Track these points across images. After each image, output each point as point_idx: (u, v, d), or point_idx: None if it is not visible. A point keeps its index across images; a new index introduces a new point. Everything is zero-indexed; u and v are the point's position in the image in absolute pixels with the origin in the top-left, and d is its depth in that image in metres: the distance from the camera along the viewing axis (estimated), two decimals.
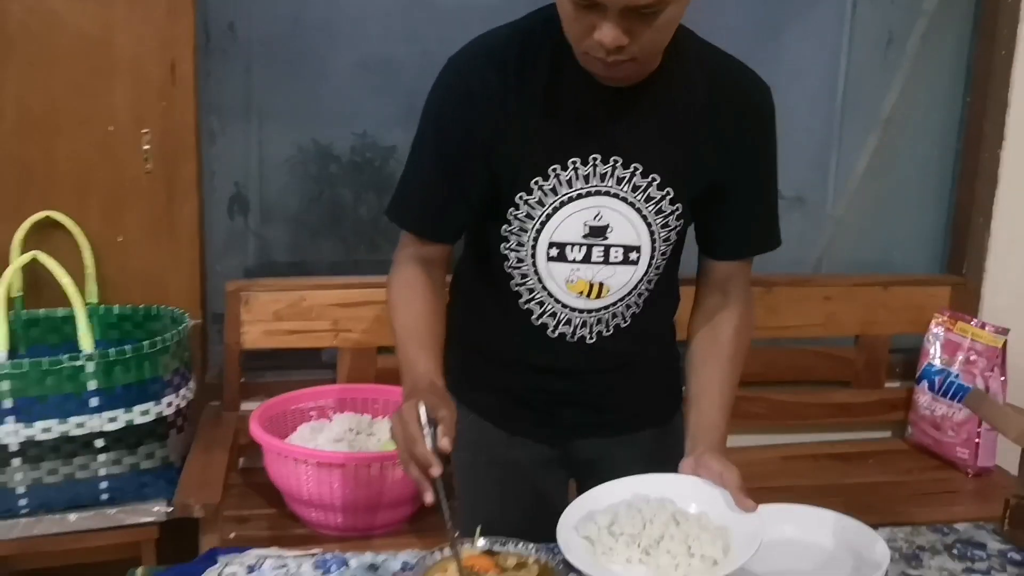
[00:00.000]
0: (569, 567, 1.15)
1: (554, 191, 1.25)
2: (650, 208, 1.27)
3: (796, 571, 1.25)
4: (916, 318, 2.53)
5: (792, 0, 2.69)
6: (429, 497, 1.10)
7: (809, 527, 1.35)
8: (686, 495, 1.20)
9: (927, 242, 2.77)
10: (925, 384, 2.47)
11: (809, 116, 2.73)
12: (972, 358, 2.38)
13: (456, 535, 1.14)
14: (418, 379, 1.22)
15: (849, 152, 2.74)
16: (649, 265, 1.31)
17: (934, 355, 2.47)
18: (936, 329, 2.48)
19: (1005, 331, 2.35)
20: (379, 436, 2.12)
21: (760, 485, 1.41)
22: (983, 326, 2.39)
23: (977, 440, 2.35)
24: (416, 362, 1.25)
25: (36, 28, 2.09)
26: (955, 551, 1.41)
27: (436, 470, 1.10)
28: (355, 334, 2.30)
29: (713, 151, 1.27)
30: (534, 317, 1.33)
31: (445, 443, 1.11)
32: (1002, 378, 2.35)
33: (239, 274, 2.45)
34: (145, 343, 1.95)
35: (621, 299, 1.33)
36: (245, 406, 2.26)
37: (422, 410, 1.13)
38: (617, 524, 1.16)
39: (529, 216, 1.27)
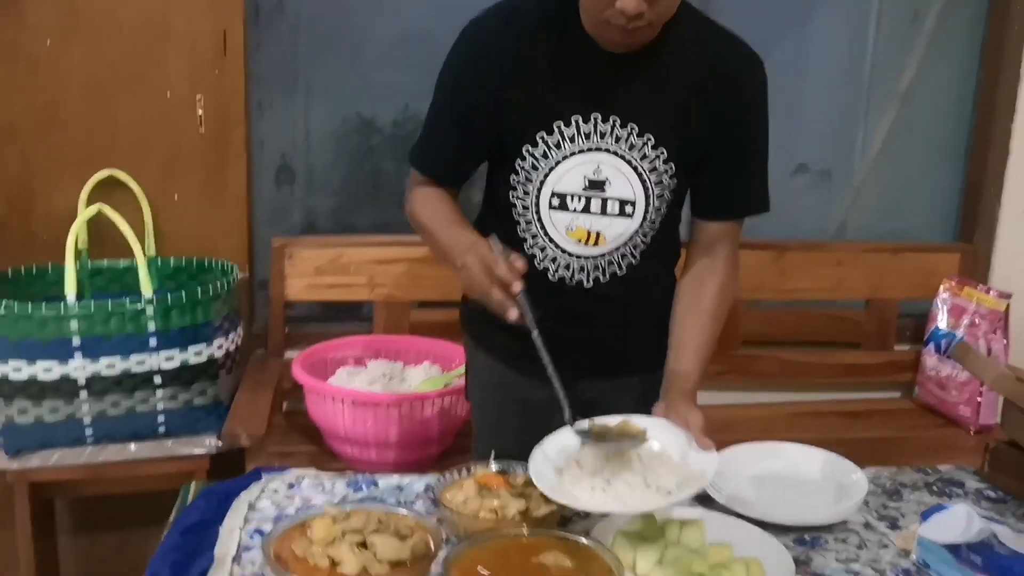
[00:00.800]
0: None
1: (557, 146, 1.39)
2: (645, 166, 1.40)
3: (782, 500, 1.37)
4: (925, 283, 2.62)
5: None
6: (514, 314, 1.22)
7: (797, 463, 1.49)
8: (653, 435, 1.28)
9: (940, 211, 2.84)
10: (932, 346, 2.56)
11: (837, 92, 2.82)
12: (976, 321, 2.47)
13: (537, 334, 1.23)
14: (472, 239, 1.33)
15: (875, 127, 2.82)
16: (644, 219, 1.43)
17: (941, 319, 2.56)
18: (944, 294, 2.57)
19: (1008, 295, 2.43)
20: (410, 382, 2.28)
21: (767, 439, 1.54)
22: (988, 291, 2.48)
23: (979, 399, 2.44)
24: (461, 233, 1.37)
25: (101, 1, 2.26)
26: (934, 488, 1.52)
27: (517, 286, 1.22)
28: (389, 288, 2.46)
29: (703, 115, 1.39)
30: (537, 261, 1.46)
31: (521, 264, 1.23)
32: (1004, 341, 2.44)
33: None
34: (199, 289, 2.13)
35: (617, 248, 1.45)
36: (288, 355, 2.43)
37: (493, 241, 1.27)
38: (583, 457, 1.25)
39: (534, 167, 1.41)
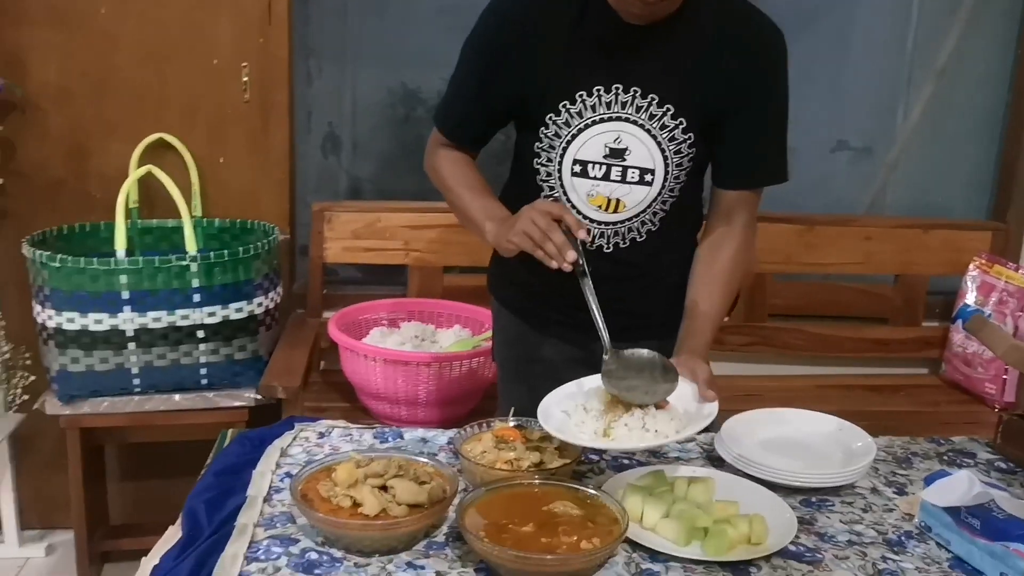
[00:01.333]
0: None
1: (579, 114, 1.44)
2: (664, 135, 1.44)
3: (792, 463, 1.40)
4: (955, 260, 2.61)
5: None
6: (572, 255, 1.32)
7: (808, 429, 1.51)
8: None
9: (976, 189, 2.83)
10: (960, 323, 2.56)
11: (879, 68, 2.81)
12: (1005, 299, 2.46)
13: (588, 278, 1.35)
14: (503, 210, 1.43)
15: (914, 104, 2.81)
16: (663, 187, 1.48)
17: (970, 296, 2.56)
18: (973, 271, 2.57)
19: None
20: (441, 343, 2.36)
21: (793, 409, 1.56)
22: (1018, 270, 2.47)
23: (1005, 376, 2.44)
24: (493, 203, 1.47)
25: None
26: (945, 458, 1.54)
27: (583, 233, 1.35)
28: (424, 253, 2.53)
29: (722, 85, 1.43)
30: (560, 225, 1.51)
31: (582, 234, 1.34)
32: None
33: None
34: (240, 248, 2.22)
35: (636, 215, 1.50)
36: (326, 315, 2.51)
37: (551, 205, 1.36)
38: (590, 403, 1.33)
39: (557, 135, 1.46)
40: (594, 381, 1.36)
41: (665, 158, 1.46)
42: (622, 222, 1.51)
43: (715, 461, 1.43)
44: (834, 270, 2.64)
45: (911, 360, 2.72)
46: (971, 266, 2.58)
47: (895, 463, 1.51)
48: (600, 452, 1.43)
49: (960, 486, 1.28)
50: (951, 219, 2.76)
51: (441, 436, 1.52)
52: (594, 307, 1.34)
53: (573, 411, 1.33)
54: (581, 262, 1.33)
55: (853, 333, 2.67)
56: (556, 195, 1.51)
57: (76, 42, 2.36)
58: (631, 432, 1.27)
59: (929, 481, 1.33)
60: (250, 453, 1.43)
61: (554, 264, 1.33)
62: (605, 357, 1.33)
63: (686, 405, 1.32)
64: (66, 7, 2.34)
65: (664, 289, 1.58)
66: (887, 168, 2.85)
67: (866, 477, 1.42)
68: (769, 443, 1.47)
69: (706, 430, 1.46)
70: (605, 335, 1.34)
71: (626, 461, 1.44)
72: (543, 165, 1.50)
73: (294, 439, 1.49)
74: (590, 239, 1.51)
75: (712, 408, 1.29)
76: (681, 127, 1.44)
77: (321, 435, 1.52)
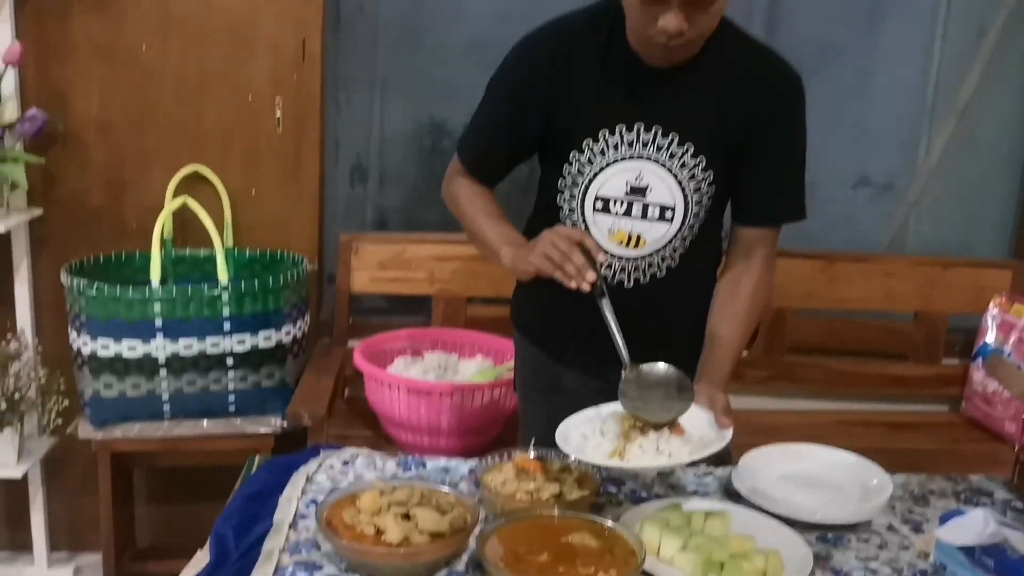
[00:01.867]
0: (600, 472, 1.38)
1: (602, 152, 1.48)
2: (684, 173, 1.49)
3: (809, 498, 1.42)
4: (976, 298, 2.62)
5: None
6: (591, 276, 1.35)
7: (826, 464, 1.53)
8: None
9: (997, 227, 2.84)
10: (980, 361, 2.57)
11: (901, 105, 2.84)
12: None
13: (607, 298, 1.38)
14: (523, 239, 1.47)
15: (936, 141, 2.82)
16: (683, 224, 1.52)
17: (990, 334, 2.56)
18: (994, 310, 2.57)
19: None
20: (463, 373, 2.39)
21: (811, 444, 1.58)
22: None
23: None
24: (510, 230, 1.51)
25: (194, 9, 2.44)
26: (962, 496, 1.54)
27: (602, 256, 1.39)
28: (448, 284, 2.58)
29: (741, 125, 1.47)
30: None
31: (601, 256, 1.38)
32: None
33: None
34: (270, 278, 2.28)
35: (656, 251, 1.54)
36: (352, 344, 2.55)
37: (570, 230, 1.40)
38: (607, 426, 1.36)
39: (580, 172, 1.51)
40: (613, 407, 1.40)
41: (685, 196, 1.50)
42: (642, 257, 1.55)
43: (732, 495, 1.45)
44: (854, 306, 2.65)
45: (931, 397, 2.72)
46: (991, 304, 2.59)
47: (912, 500, 1.51)
48: (619, 484, 1.46)
49: (976, 525, 1.29)
50: (972, 257, 2.77)
51: (463, 465, 1.55)
52: (613, 325, 1.37)
53: (591, 434, 1.37)
54: (600, 283, 1.37)
55: (873, 369, 2.68)
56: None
57: (118, 77, 2.45)
58: (645, 454, 1.30)
59: (944, 519, 1.34)
60: (277, 479, 1.47)
61: (573, 284, 1.36)
62: (624, 372, 1.37)
63: (702, 432, 1.35)
64: (111, 44, 2.43)
65: (687, 325, 1.61)
66: (908, 205, 2.86)
67: (883, 514, 1.43)
68: (786, 478, 1.48)
69: (723, 463, 1.49)
70: (624, 352, 1.37)
71: (644, 495, 1.46)
72: (566, 201, 1.55)
73: (319, 466, 1.53)
74: (611, 274, 1.55)
75: (727, 433, 1.32)
76: (700, 165, 1.49)
77: (345, 463, 1.55)
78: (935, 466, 2.30)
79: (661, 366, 1.37)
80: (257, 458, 1.62)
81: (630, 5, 1.37)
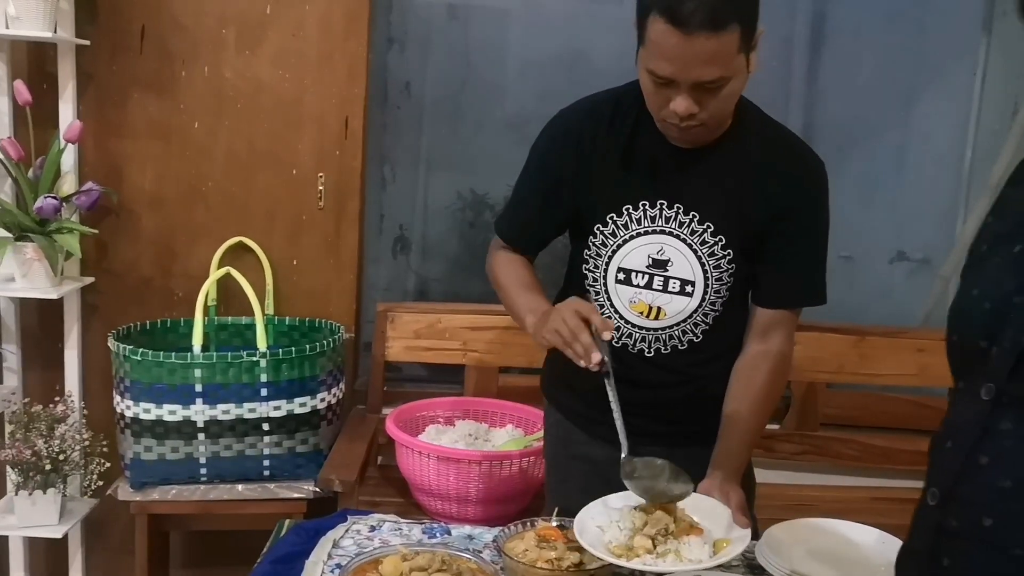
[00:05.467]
0: None
1: (625, 226, 1.54)
2: (704, 250, 1.52)
3: (833, 574, 1.39)
4: None
5: (925, 67, 2.84)
6: (597, 356, 1.35)
7: (850, 539, 1.51)
8: (694, 508, 1.37)
9: None
10: None
11: (937, 180, 2.87)
12: None
13: (612, 379, 1.38)
14: (547, 304, 1.49)
15: (973, 217, 2.82)
16: (703, 299, 1.55)
17: None
18: None
19: None
20: (494, 442, 2.42)
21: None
22: None
23: None
24: (537, 297, 1.54)
25: (245, 90, 2.57)
26: None
27: (608, 334, 1.37)
28: (481, 353, 2.62)
29: (762, 208, 1.51)
30: None
31: (607, 335, 1.38)
32: None
33: None
34: (307, 346, 2.35)
35: (677, 324, 1.57)
36: (386, 411, 2.57)
37: (580, 305, 1.40)
38: (624, 521, 1.35)
39: (604, 244, 1.56)
40: (629, 498, 1.40)
41: (705, 272, 1.53)
42: (663, 329, 1.58)
43: (756, 569, 1.44)
44: (887, 381, 2.63)
45: None
46: None
47: None
48: None
49: None
50: None
51: (487, 533, 1.56)
52: (615, 408, 1.38)
53: (607, 527, 1.36)
54: (607, 363, 1.38)
55: (908, 445, 2.64)
56: (601, 300, 1.59)
57: (171, 153, 2.58)
58: (664, 556, 1.30)
59: None
60: (305, 543, 1.51)
61: (582, 363, 1.38)
62: (622, 458, 1.38)
63: (721, 531, 1.35)
64: (166, 122, 2.57)
65: (709, 397, 1.61)
66: (944, 280, 2.86)
67: None
68: (811, 554, 1.46)
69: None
70: (624, 437, 1.38)
71: None
72: (590, 271, 1.59)
73: (347, 531, 1.56)
74: (632, 342, 1.57)
75: (746, 534, 1.33)
76: (720, 244, 1.52)
77: (372, 528, 1.58)
78: None
79: (656, 460, 1.38)
80: (287, 522, 1.64)
81: (645, 88, 1.43)
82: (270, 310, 2.61)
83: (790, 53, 2.83)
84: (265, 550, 1.53)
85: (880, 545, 1.51)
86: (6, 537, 2.55)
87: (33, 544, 2.61)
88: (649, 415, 1.62)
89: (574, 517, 1.40)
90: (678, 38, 1.31)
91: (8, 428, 2.37)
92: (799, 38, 2.82)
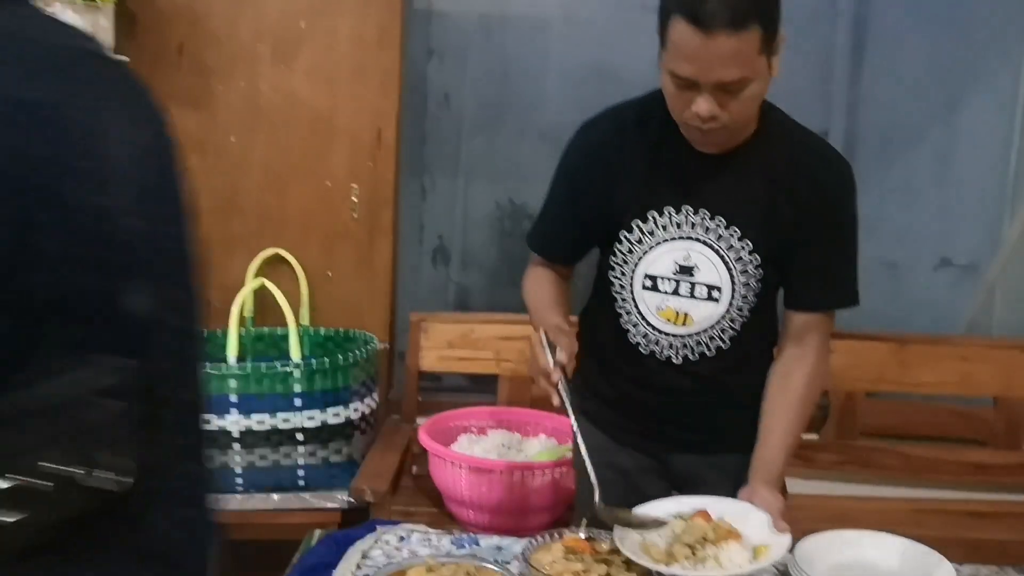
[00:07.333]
0: None
1: (651, 233, 1.53)
2: (731, 255, 1.51)
3: None
4: None
5: (968, 71, 2.79)
6: (555, 400, 1.40)
7: (884, 551, 1.48)
8: (734, 515, 1.39)
9: None
10: None
11: (981, 185, 2.81)
12: None
13: (574, 420, 1.43)
14: (547, 321, 1.52)
15: (1019, 221, 2.76)
16: (730, 305, 1.53)
17: None
18: None
19: None
20: (526, 452, 2.41)
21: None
22: None
23: None
24: (547, 313, 1.56)
25: (279, 103, 2.61)
26: None
27: (554, 376, 1.40)
28: (513, 363, 2.62)
29: (789, 213, 1.49)
30: (630, 335, 1.59)
31: (562, 356, 1.41)
32: None
33: None
34: (340, 357, 2.37)
35: (705, 330, 1.56)
36: (420, 421, 2.59)
37: (542, 335, 1.46)
38: (665, 528, 1.37)
39: (630, 251, 1.55)
40: (676, 503, 1.42)
41: (732, 277, 1.52)
42: (691, 335, 1.57)
43: None
44: (929, 390, 2.58)
45: (1013, 486, 2.60)
46: None
47: None
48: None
49: None
50: None
51: (515, 544, 1.56)
52: (583, 452, 1.44)
53: (647, 534, 1.38)
54: (567, 406, 1.41)
55: (951, 456, 2.59)
56: (628, 307, 1.59)
57: (208, 166, 2.61)
58: (704, 562, 1.30)
59: None
60: (334, 554, 1.52)
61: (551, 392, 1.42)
62: (597, 503, 1.41)
63: (760, 537, 1.35)
64: (203, 136, 2.61)
65: (740, 403, 1.61)
66: (987, 287, 2.80)
67: None
68: (844, 567, 1.44)
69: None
70: (595, 481, 1.42)
71: None
72: (616, 278, 1.59)
73: (376, 541, 1.57)
74: (660, 349, 1.58)
75: (785, 539, 1.33)
76: (747, 249, 1.51)
77: (401, 538, 1.59)
78: (1018, 557, 2.22)
79: (626, 512, 1.41)
80: (317, 532, 1.66)
81: (667, 91, 1.43)
82: (305, 321, 2.63)
83: (831, 59, 2.80)
84: (295, 560, 1.55)
85: (917, 557, 1.47)
86: None
87: None
88: (681, 423, 1.63)
89: (602, 528, 1.40)
90: (699, 38, 1.31)
91: None
92: (841, 44, 2.80)
